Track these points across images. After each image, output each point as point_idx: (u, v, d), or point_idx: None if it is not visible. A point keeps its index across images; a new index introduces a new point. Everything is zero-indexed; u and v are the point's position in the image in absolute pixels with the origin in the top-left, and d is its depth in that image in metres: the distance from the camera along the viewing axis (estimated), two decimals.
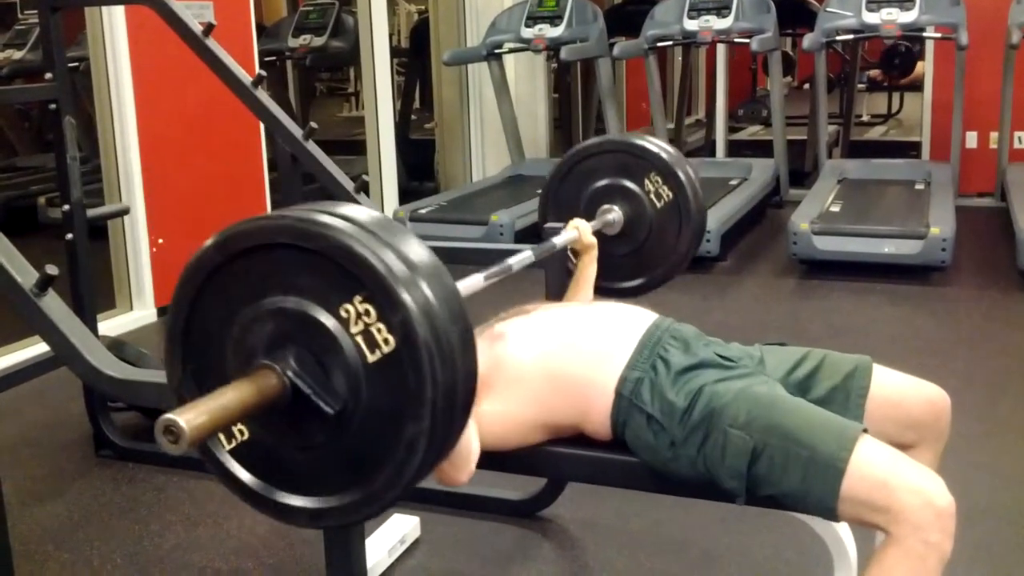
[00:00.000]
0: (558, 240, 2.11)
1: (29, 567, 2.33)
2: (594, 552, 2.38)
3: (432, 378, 1.11)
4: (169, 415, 1.00)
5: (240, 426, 1.23)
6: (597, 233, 2.23)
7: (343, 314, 1.12)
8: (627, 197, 2.31)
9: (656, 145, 2.32)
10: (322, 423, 1.16)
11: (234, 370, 1.19)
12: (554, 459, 1.73)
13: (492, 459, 1.72)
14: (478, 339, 1.75)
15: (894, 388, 1.70)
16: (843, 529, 1.64)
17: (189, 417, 1.01)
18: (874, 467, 1.44)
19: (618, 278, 2.36)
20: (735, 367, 1.66)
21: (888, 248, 4.54)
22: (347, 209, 1.17)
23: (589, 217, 2.30)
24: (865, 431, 1.48)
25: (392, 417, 1.13)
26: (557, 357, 1.68)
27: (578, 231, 2.14)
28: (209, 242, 1.19)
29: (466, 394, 1.19)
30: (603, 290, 2.22)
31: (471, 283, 1.72)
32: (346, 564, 1.55)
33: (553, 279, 2.22)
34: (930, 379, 1.74)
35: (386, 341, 1.11)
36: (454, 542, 2.40)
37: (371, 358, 1.12)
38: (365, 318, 1.12)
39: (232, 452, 1.24)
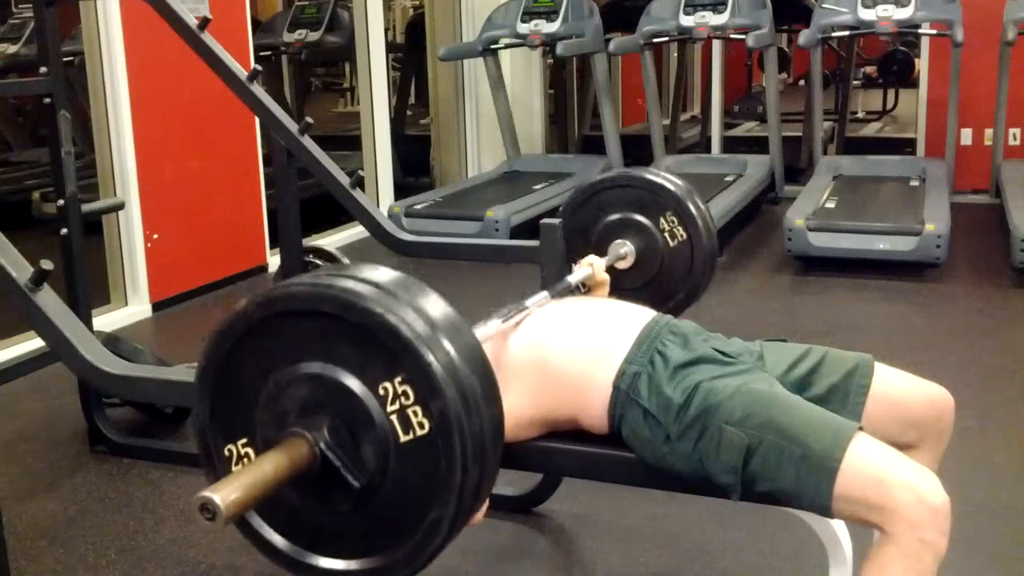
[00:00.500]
0: (572, 279, 2.13)
1: (24, 562, 2.33)
2: (589, 547, 2.39)
3: (463, 467, 1.11)
4: (206, 493, 1.01)
5: None
6: (609, 267, 2.25)
7: (381, 391, 1.13)
8: (641, 233, 2.33)
9: (672, 183, 2.33)
10: (347, 494, 1.16)
11: (263, 425, 1.20)
12: (550, 454, 1.73)
13: None
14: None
15: (895, 387, 1.70)
16: (838, 525, 1.64)
17: (225, 495, 1.02)
18: (868, 465, 1.44)
19: None
20: (734, 363, 1.67)
21: (883, 244, 4.55)
22: (394, 282, 1.17)
23: (600, 248, 2.32)
24: (860, 429, 1.49)
25: (418, 498, 1.14)
26: (555, 352, 1.69)
27: (592, 268, 2.15)
28: (253, 298, 1.19)
29: (492, 472, 1.19)
30: None
31: (489, 328, 1.72)
32: None
33: (549, 274, 2.22)
34: (925, 375, 1.74)
35: (421, 425, 1.12)
36: None
37: (403, 438, 1.13)
38: (403, 399, 1.12)
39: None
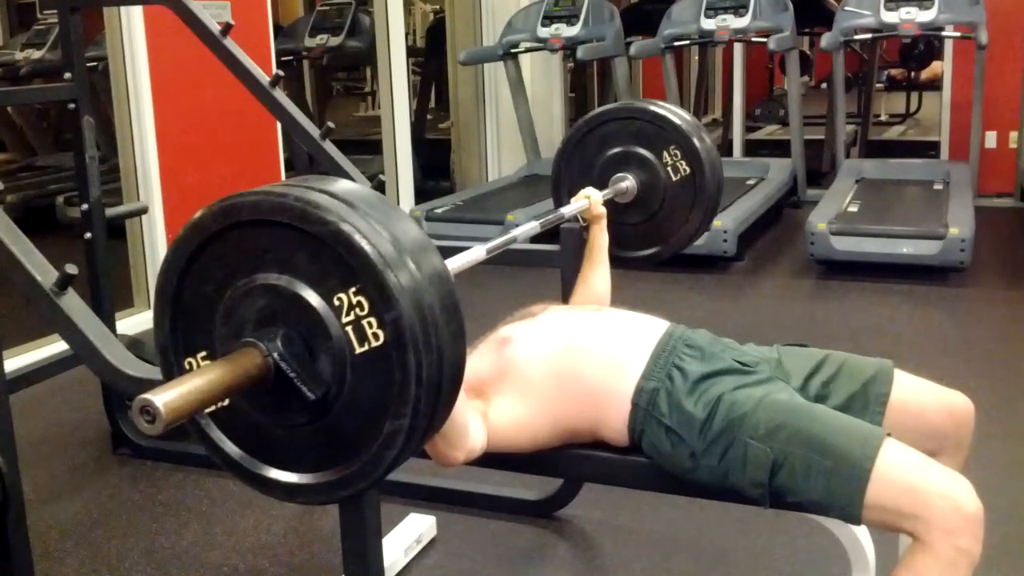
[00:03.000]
0: (566, 210, 2.10)
1: (48, 564, 2.34)
2: (610, 552, 2.38)
3: (417, 378, 1.10)
4: (147, 396, 0.99)
5: None
6: (609, 201, 2.22)
7: (336, 302, 1.12)
8: (643, 166, 2.28)
9: (678, 116, 2.28)
10: (303, 406, 1.16)
11: (221, 337, 1.20)
12: (571, 460, 1.72)
13: (509, 459, 1.72)
14: (484, 342, 1.76)
15: (914, 396, 1.68)
16: (861, 531, 1.63)
17: (167, 400, 1.00)
18: (900, 472, 1.42)
19: (628, 247, 2.35)
20: (753, 372, 1.65)
21: (906, 249, 4.52)
22: (352, 192, 1.16)
23: (602, 181, 2.28)
24: (888, 435, 1.47)
25: (374, 409, 1.13)
26: (569, 365, 1.67)
27: (588, 201, 2.13)
28: (209, 208, 1.18)
29: (450, 392, 1.18)
30: (612, 258, 2.21)
31: (473, 256, 1.73)
32: (363, 563, 1.55)
33: (570, 278, 2.21)
34: (948, 380, 1.72)
35: (376, 336, 1.11)
36: (470, 542, 2.41)
37: (359, 349, 1.12)
38: (357, 310, 1.11)
39: (213, 416, 1.25)
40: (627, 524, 2.46)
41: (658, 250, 2.36)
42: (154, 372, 1.55)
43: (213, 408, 1.23)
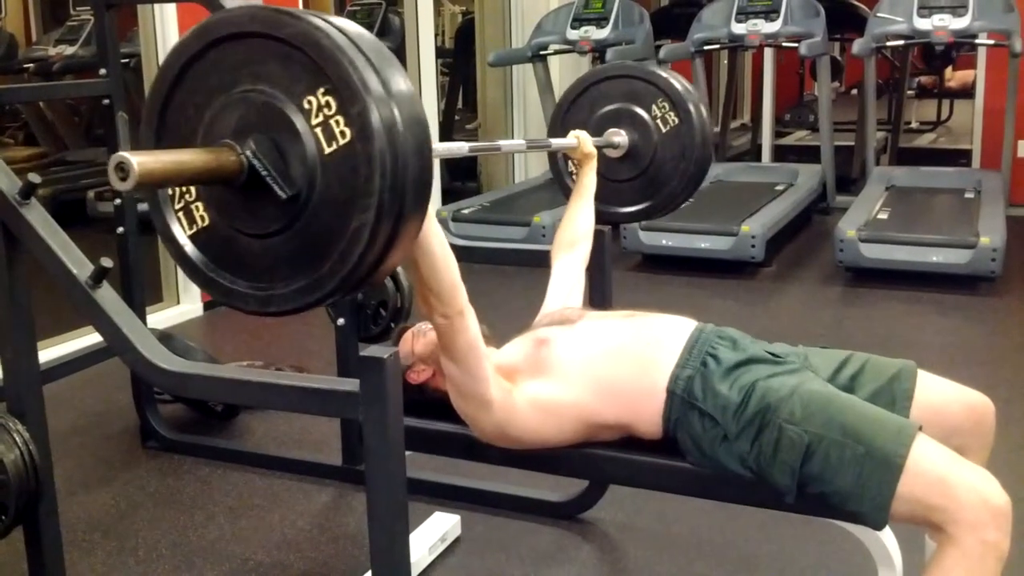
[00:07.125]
0: (554, 141, 2.17)
1: (76, 554, 2.37)
2: (634, 555, 2.37)
3: (382, 171, 1.14)
4: (124, 153, 1.06)
5: (201, 212, 1.29)
6: (601, 156, 2.27)
7: (306, 105, 1.17)
8: (633, 123, 2.36)
9: (667, 73, 2.37)
10: (276, 209, 1.20)
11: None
12: (596, 461, 1.73)
13: (535, 458, 1.73)
14: (519, 337, 1.79)
15: (937, 394, 1.70)
16: (888, 537, 1.63)
17: (142, 160, 1.07)
18: (931, 465, 1.43)
19: (621, 202, 2.42)
20: (784, 363, 1.68)
21: (936, 257, 4.48)
22: (330, 16, 1.21)
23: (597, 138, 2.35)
24: (920, 429, 1.48)
25: (341, 207, 1.17)
26: (606, 371, 1.70)
27: (578, 140, 2.17)
28: (192, 30, 1.24)
29: (416, 195, 1.21)
30: (604, 215, 2.26)
31: (455, 147, 1.81)
32: (390, 559, 1.55)
33: (595, 279, 2.21)
34: (978, 390, 1.72)
35: (343, 133, 1.16)
36: (494, 541, 2.41)
37: (327, 149, 1.17)
38: (326, 110, 1.16)
39: (192, 236, 1.30)
40: (651, 527, 2.45)
41: (650, 204, 2.42)
42: (186, 366, 1.57)
43: (194, 229, 1.29)
